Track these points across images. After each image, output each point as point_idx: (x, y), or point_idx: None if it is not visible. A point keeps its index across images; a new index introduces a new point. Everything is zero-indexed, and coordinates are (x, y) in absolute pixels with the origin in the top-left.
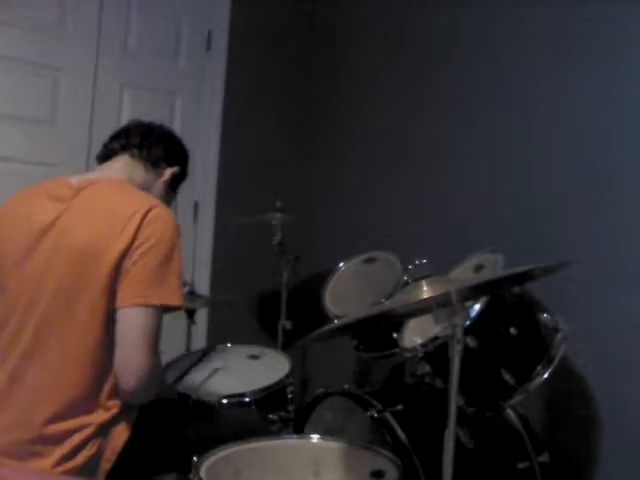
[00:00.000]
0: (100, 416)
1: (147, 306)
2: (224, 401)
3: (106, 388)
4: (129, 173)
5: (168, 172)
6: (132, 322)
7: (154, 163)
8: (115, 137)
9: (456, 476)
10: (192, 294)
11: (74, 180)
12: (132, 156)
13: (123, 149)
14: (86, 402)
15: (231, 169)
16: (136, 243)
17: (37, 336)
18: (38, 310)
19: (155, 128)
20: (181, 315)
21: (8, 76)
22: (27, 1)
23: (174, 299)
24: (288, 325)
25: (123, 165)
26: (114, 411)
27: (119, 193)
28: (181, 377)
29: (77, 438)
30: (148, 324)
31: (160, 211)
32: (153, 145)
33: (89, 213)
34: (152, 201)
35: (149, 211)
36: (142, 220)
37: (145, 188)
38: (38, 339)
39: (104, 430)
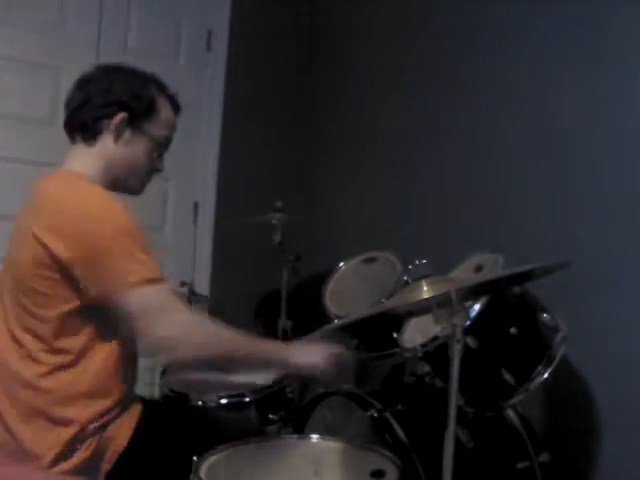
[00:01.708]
0: (82, 413)
1: (122, 294)
2: (224, 401)
3: (84, 383)
4: (74, 161)
5: (111, 129)
6: (125, 311)
7: (92, 132)
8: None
9: (456, 476)
10: (192, 294)
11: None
12: (74, 142)
13: (69, 136)
14: (62, 399)
15: (231, 169)
16: (61, 242)
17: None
18: (5, 309)
19: (76, 87)
20: None
21: (8, 76)
22: (27, 1)
23: (145, 274)
24: (288, 325)
25: (71, 154)
26: (97, 408)
27: (51, 192)
28: None
29: (63, 436)
30: (141, 303)
31: (87, 205)
32: (79, 112)
33: (32, 210)
34: (80, 195)
35: (75, 208)
36: (61, 213)
37: (107, 166)
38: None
39: (92, 430)
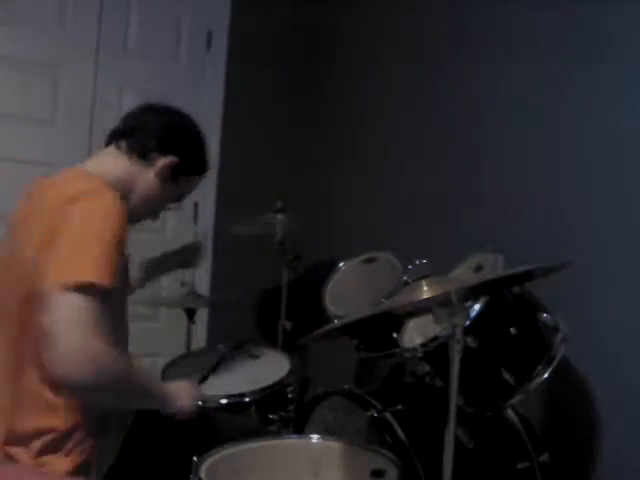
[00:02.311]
0: (63, 421)
1: (67, 287)
2: (224, 401)
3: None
4: (105, 167)
5: (160, 163)
6: (53, 304)
7: (141, 154)
8: (121, 120)
9: (456, 476)
10: (192, 294)
11: (44, 178)
12: (117, 147)
13: (113, 137)
14: (44, 407)
15: (231, 169)
16: (57, 229)
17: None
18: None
19: (155, 113)
20: (181, 315)
21: (8, 76)
22: (27, 1)
23: (94, 277)
24: (288, 325)
25: (103, 159)
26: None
27: (60, 183)
28: (207, 376)
29: (42, 441)
30: (70, 305)
31: (87, 195)
32: (144, 133)
33: (34, 210)
34: (83, 187)
35: (74, 197)
36: (64, 206)
37: (128, 181)
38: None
39: (70, 436)
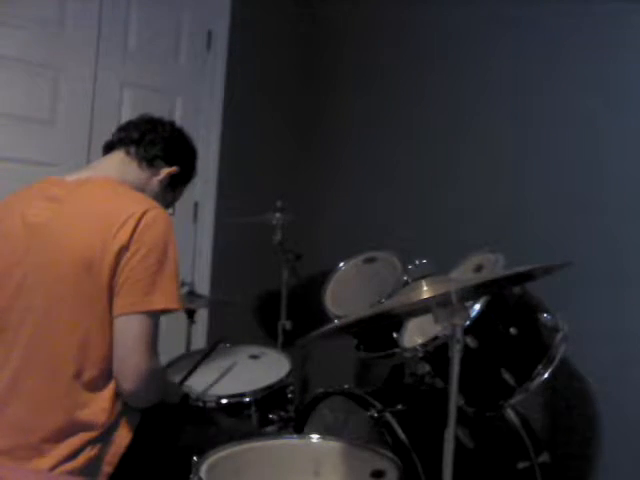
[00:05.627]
0: (103, 419)
1: (143, 313)
2: (224, 401)
3: (108, 391)
4: (122, 171)
5: (164, 171)
6: (129, 329)
7: (149, 161)
8: (120, 129)
9: (456, 476)
10: (192, 294)
11: (69, 179)
12: (127, 153)
13: (120, 143)
14: (87, 406)
15: (231, 169)
16: (130, 249)
17: (33, 342)
18: (34, 313)
19: (160, 125)
20: (181, 315)
21: (8, 76)
22: (27, 1)
23: (170, 303)
24: (288, 325)
25: (117, 162)
26: (116, 414)
27: (113, 195)
28: (186, 378)
29: (80, 439)
30: (145, 329)
31: (154, 215)
32: (151, 143)
33: (83, 215)
34: (146, 204)
35: (143, 215)
36: (136, 225)
37: (138, 186)
38: (34, 345)
39: (107, 433)
